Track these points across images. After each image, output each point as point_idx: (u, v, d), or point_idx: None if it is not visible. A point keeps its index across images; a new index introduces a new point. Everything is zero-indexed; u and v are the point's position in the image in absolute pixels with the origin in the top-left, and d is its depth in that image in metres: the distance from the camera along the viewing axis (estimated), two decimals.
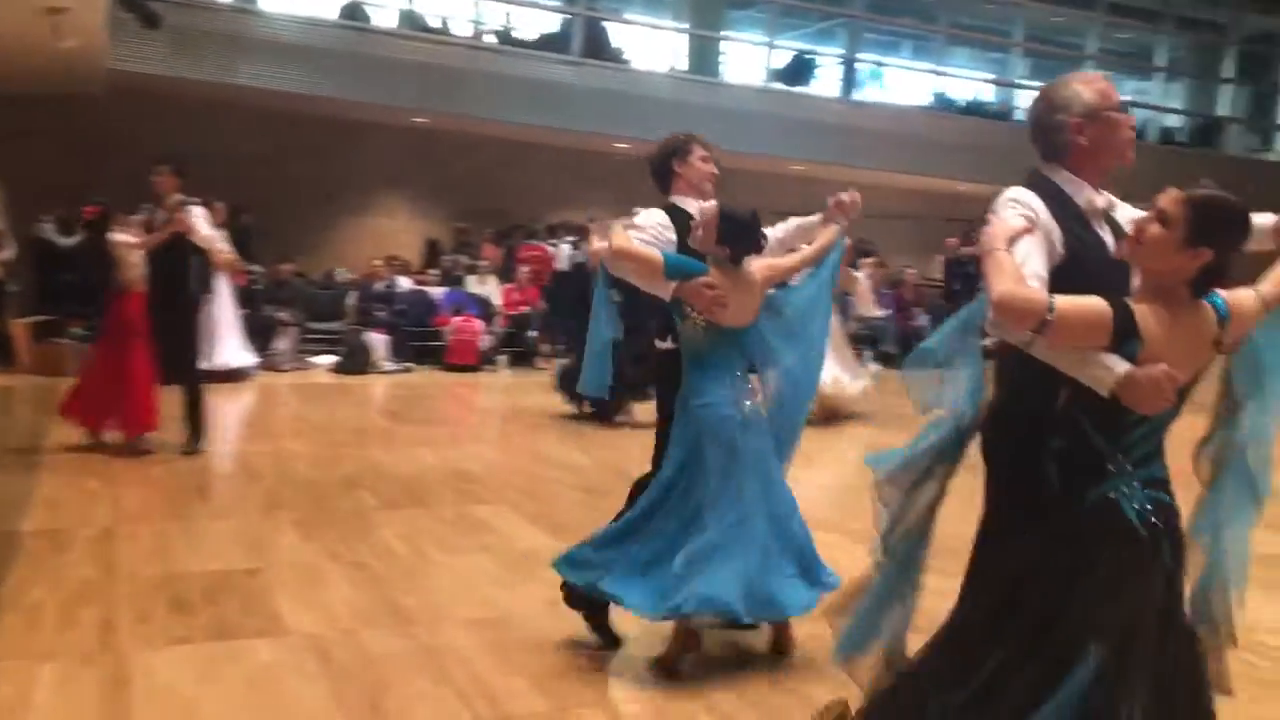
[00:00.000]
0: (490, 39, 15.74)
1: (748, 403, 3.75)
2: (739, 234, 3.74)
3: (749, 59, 18.32)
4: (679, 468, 3.69)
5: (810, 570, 3.77)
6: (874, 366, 14.30)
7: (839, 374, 9.06)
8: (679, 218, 3.91)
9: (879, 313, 14.07)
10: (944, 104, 19.01)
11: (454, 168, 16.57)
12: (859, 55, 18.32)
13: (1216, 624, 2.54)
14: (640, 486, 3.97)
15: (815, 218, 4.11)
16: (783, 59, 17.99)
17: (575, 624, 4.20)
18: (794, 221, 4.12)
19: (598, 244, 3.86)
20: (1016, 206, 2.50)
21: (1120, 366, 2.24)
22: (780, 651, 3.94)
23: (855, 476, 7.62)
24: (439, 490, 6.44)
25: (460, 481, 6.69)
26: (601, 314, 3.96)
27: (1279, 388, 2.51)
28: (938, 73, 18.91)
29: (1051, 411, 2.39)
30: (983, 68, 20.99)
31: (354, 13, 14.22)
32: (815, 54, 18.41)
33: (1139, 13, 20.27)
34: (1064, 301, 2.24)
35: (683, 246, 3.82)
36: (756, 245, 3.81)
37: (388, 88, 13.94)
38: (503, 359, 13.16)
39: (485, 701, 3.49)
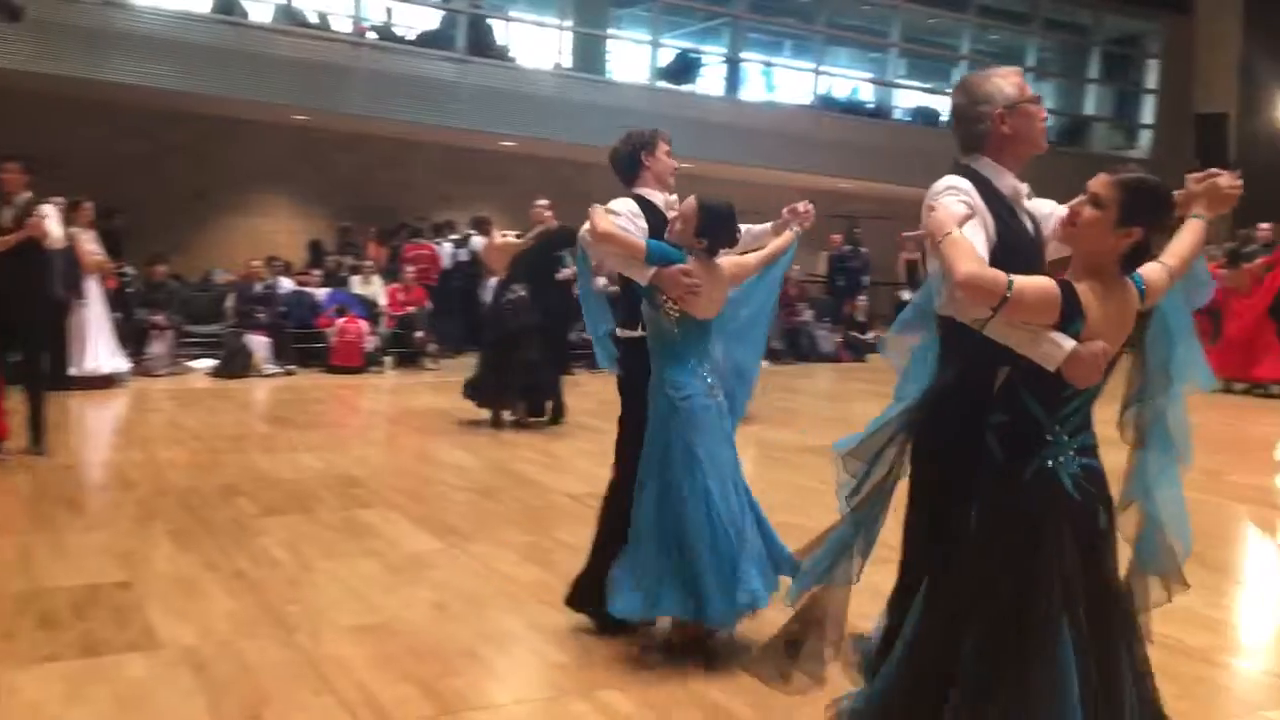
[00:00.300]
0: (371, 35, 15.47)
1: (718, 393, 3.85)
2: (717, 226, 3.82)
3: (634, 57, 18.37)
4: (669, 465, 3.73)
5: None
6: (762, 362, 14.49)
7: None
8: (646, 208, 4.02)
9: None
10: (826, 103, 19.33)
11: (336, 166, 16.26)
12: (742, 54, 18.50)
13: (1167, 576, 2.69)
14: (614, 491, 4.05)
15: (766, 225, 4.23)
16: (668, 57, 18.08)
17: (464, 627, 4.16)
18: (744, 228, 4.19)
19: (583, 229, 3.88)
20: (956, 194, 2.63)
21: (1068, 344, 2.40)
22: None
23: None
24: (322, 495, 6.31)
25: (344, 486, 6.56)
26: (591, 305, 4.08)
27: (1185, 353, 2.67)
28: (818, 72, 19.22)
29: (991, 389, 2.55)
30: (862, 67, 21.41)
31: (228, 7, 13.83)
32: (700, 52, 18.55)
33: (1009, 15, 20.91)
34: (1020, 280, 2.39)
35: (652, 236, 3.88)
36: (732, 238, 3.92)
37: (265, 84, 13.61)
38: (389, 360, 12.96)
39: (370, 710, 3.42)
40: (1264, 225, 12.53)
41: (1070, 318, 2.42)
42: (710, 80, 18.58)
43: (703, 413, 3.75)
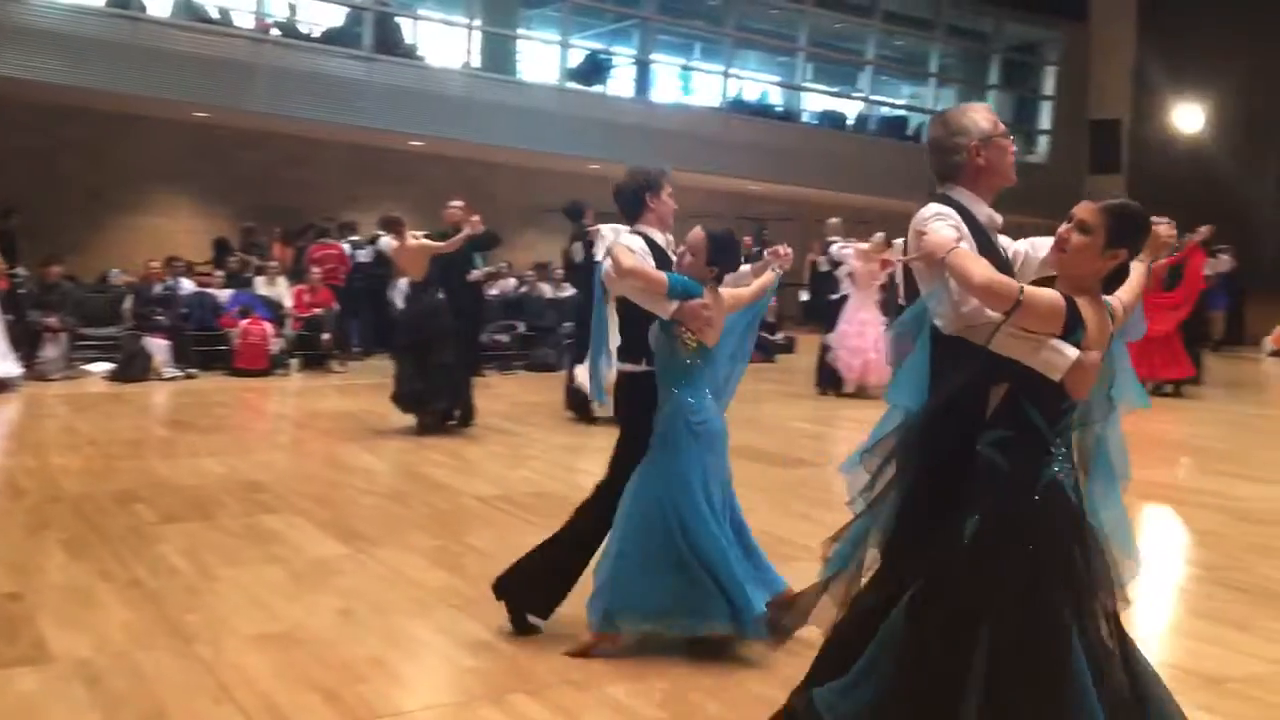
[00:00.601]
0: (274, 32, 15.18)
1: (721, 418, 4.00)
2: (725, 254, 3.96)
3: (544, 58, 18.31)
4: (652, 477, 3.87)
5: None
6: None
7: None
8: (650, 245, 4.11)
9: None
10: (735, 105, 19.50)
11: (239, 164, 15.92)
12: (652, 56, 18.57)
13: (1122, 588, 2.76)
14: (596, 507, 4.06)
15: (746, 267, 4.31)
16: (578, 58, 18.07)
17: (370, 633, 4.10)
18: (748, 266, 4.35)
19: (605, 264, 3.91)
20: (946, 219, 2.78)
21: (1072, 352, 2.53)
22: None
23: None
24: (224, 501, 6.16)
25: (248, 491, 6.42)
26: (601, 337, 4.13)
27: (1123, 378, 2.79)
28: (728, 74, 19.37)
29: (984, 405, 2.65)
30: (771, 71, 21.64)
31: (124, 1, 13.45)
32: (609, 54, 18.57)
33: (913, 21, 21.33)
34: (1029, 288, 2.55)
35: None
36: (737, 263, 4.09)
37: (163, 80, 13.28)
38: (295, 363, 12.72)
39: (272, 719, 3.35)
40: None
41: (1072, 327, 2.55)
42: (620, 82, 18.62)
43: (720, 437, 3.94)
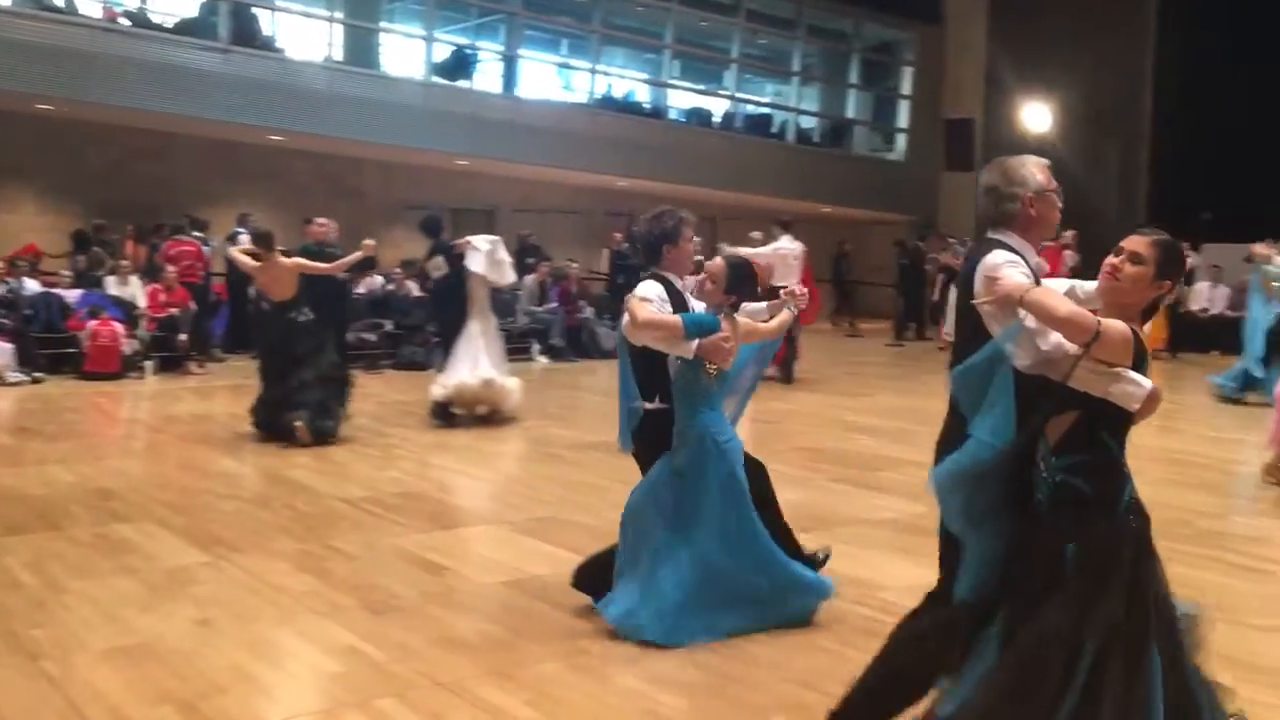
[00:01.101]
0: (124, 21, 14.59)
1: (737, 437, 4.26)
2: (742, 282, 4.21)
3: (409, 52, 18.03)
4: (671, 494, 4.16)
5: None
6: (543, 360, 14.52)
7: (492, 374, 8.97)
8: (667, 286, 4.31)
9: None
10: (603, 102, 19.54)
11: (88, 159, 15.26)
12: (519, 51, 18.46)
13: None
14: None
15: (762, 305, 4.52)
16: (444, 53, 17.85)
17: (231, 642, 3.99)
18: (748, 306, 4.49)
19: (623, 320, 4.22)
20: (1017, 265, 2.94)
21: (1147, 383, 2.71)
22: None
23: (517, 470, 7.70)
24: (74, 511, 5.90)
25: (99, 499, 6.16)
26: (627, 380, 4.34)
27: None
28: (595, 71, 19.40)
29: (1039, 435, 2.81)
30: (638, 68, 21.74)
31: None
32: (475, 48, 18.39)
33: (776, 20, 21.68)
34: (1104, 320, 2.69)
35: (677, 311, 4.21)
36: (754, 291, 4.33)
37: (4, 71, 12.64)
38: (150, 365, 12.25)
39: None
40: None
41: (1141, 358, 2.71)
42: (487, 77, 18.47)
43: (739, 452, 4.21)
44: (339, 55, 16.69)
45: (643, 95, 21.09)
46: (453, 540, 5.43)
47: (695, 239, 4.54)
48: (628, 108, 20.29)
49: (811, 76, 23.04)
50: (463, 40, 18.46)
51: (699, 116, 21.22)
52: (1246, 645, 4.06)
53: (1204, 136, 18.55)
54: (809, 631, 4.16)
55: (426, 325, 13.85)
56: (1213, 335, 15.85)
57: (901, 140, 23.48)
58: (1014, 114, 21.73)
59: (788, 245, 12.32)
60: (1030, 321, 2.77)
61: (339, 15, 16.80)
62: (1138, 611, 2.70)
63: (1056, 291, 2.89)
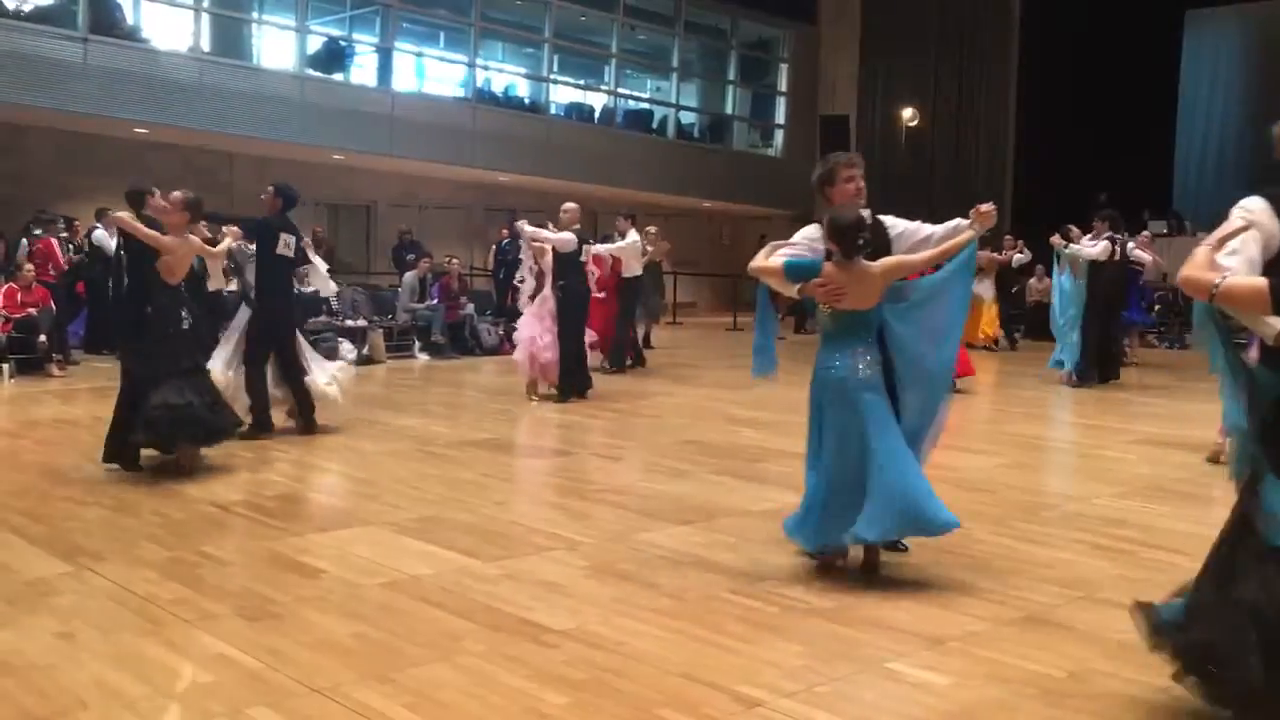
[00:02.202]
0: None
1: (864, 369, 4.60)
2: (840, 235, 4.55)
3: (282, 43, 17.58)
4: (812, 417, 4.77)
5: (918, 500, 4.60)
6: (423, 357, 14.32)
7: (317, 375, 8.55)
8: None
9: None
10: (481, 96, 19.36)
11: None
12: (395, 44, 18.16)
13: None
14: None
15: (951, 224, 4.84)
16: (317, 44, 17.46)
17: (94, 655, 3.82)
18: (942, 227, 4.87)
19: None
20: (1240, 211, 3.29)
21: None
22: (869, 569, 4.78)
23: (398, 469, 7.57)
24: None
25: None
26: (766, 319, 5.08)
27: None
28: (473, 65, 19.21)
29: None
30: (518, 62, 21.60)
31: None
32: (350, 41, 18.03)
33: (654, 16, 21.78)
34: (1232, 279, 3.03)
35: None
36: (853, 245, 4.54)
37: None
38: (7, 368, 11.69)
39: None
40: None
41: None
42: (363, 70, 18.12)
43: (840, 383, 4.61)
44: (206, 46, 16.18)
45: (523, 90, 20.96)
46: (330, 543, 5.31)
47: (858, 177, 4.87)
48: (508, 102, 20.15)
49: (690, 73, 23.20)
50: (337, 32, 18.07)
51: (579, 111, 21.20)
52: (1109, 623, 4.22)
53: (1066, 132, 19.25)
54: (686, 622, 4.19)
55: (302, 323, 13.54)
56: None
57: (779, 136, 23.83)
58: (887, 111, 22.22)
59: (636, 238, 12.49)
60: None
61: (206, 4, 16.28)
62: None
63: (1205, 253, 3.23)
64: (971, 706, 3.50)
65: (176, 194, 7.17)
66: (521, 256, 10.93)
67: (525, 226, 10.37)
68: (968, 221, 4.81)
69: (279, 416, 8.33)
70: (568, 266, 10.22)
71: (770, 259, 4.70)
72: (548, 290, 10.28)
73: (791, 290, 4.68)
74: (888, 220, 4.92)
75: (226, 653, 3.86)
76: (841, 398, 4.61)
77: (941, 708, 3.48)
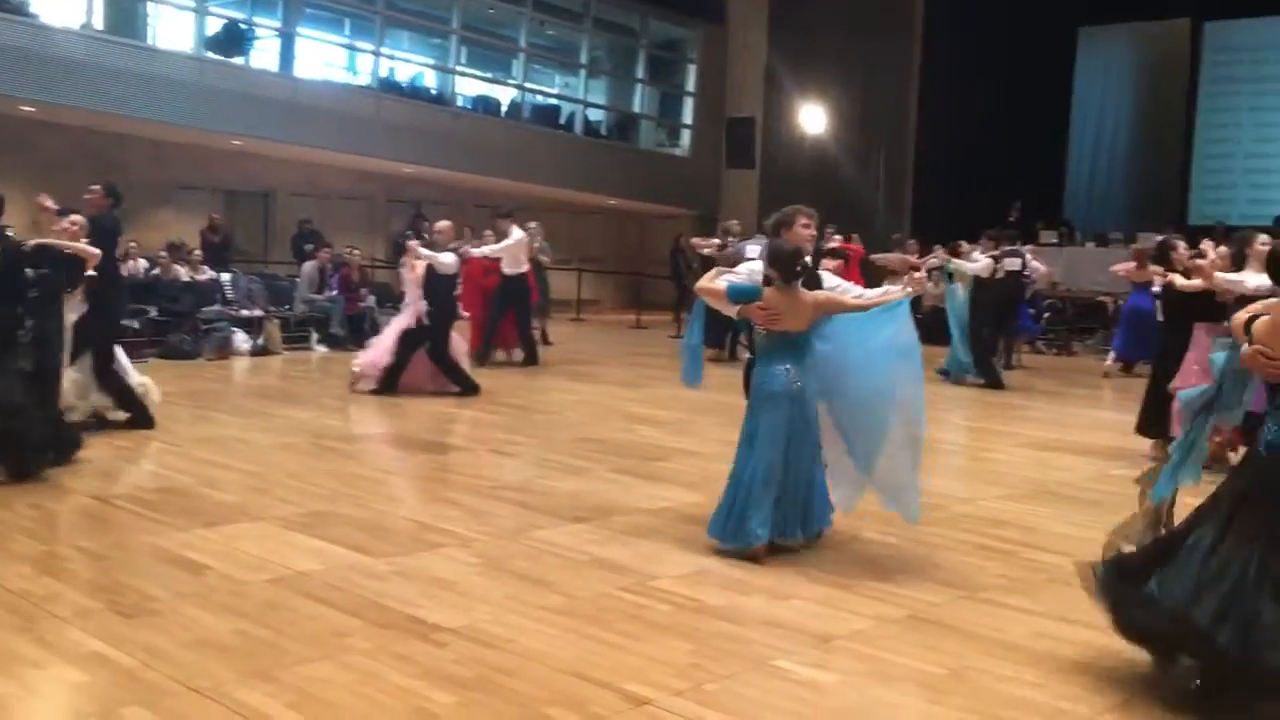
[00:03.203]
0: None
1: (796, 384, 5.09)
2: (779, 262, 5.11)
3: (180, 23, 17.08)
4: (748, 425, 5.19)
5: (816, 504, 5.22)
6: (321, 349, 14.07)
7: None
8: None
9: None
10: (387, 86, 19.08)
11: None
12: (299, 29, 17.78)
13: None
14: None
15: (885, 288, 5.55)
16: (217, 26, 17.00)
17: None
18: (874, 291, 5.52)
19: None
20: None
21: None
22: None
23: (289, 462, 7.42)
24: None
25: None
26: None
27: None
28: (378, 54, 18.92)
29: None
30: (424, 53, 21.33)
31: None
32: (251, 24, 17.60)
33: (564, 12, 21.71)
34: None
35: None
36: (792, 272, 5.09)
37: None
38: None
39: None
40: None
41: None
42: (266, 55, 17.70)
43: (772, 397, 5.10)
44: (100, 23, 15.65)
45: (430, 81, 20.71)
46: (215, 537, 5.18)
47: (812, 226, 5.54)
48: (414, 93, 19.89)
49: (599, 70, 23.19)
50: (237, 15, 17.63)
51: (486, 105, 21.02)
52: (989, 622, 4.33)
53: (965, 141, 19.71)
54: (578, 620, 4.18)
55: (197, 311, 13.22)
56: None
57: (686, 136, 23.94)
58: (792, 114, 22.49)
59: (519, 235, 12.28)
60: None
61: None
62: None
63: None
64: (855, 704, 3.56)
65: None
66: (401, 269, 10.90)
67: (419, 248, 10.27)
68: (898, 288, 5.43)
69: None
70: (441, 283, 10.20)
71: (715, 282, 5.26)
72: (412, 300, 10.23)
73: (732, 310, 5.23)
74: (825, 275, 5.52)
75: (101, 650, 3.74)
76: (775, 409, 5.08)
77: (826, 705, 3.53)
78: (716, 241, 14.04)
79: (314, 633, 3.97)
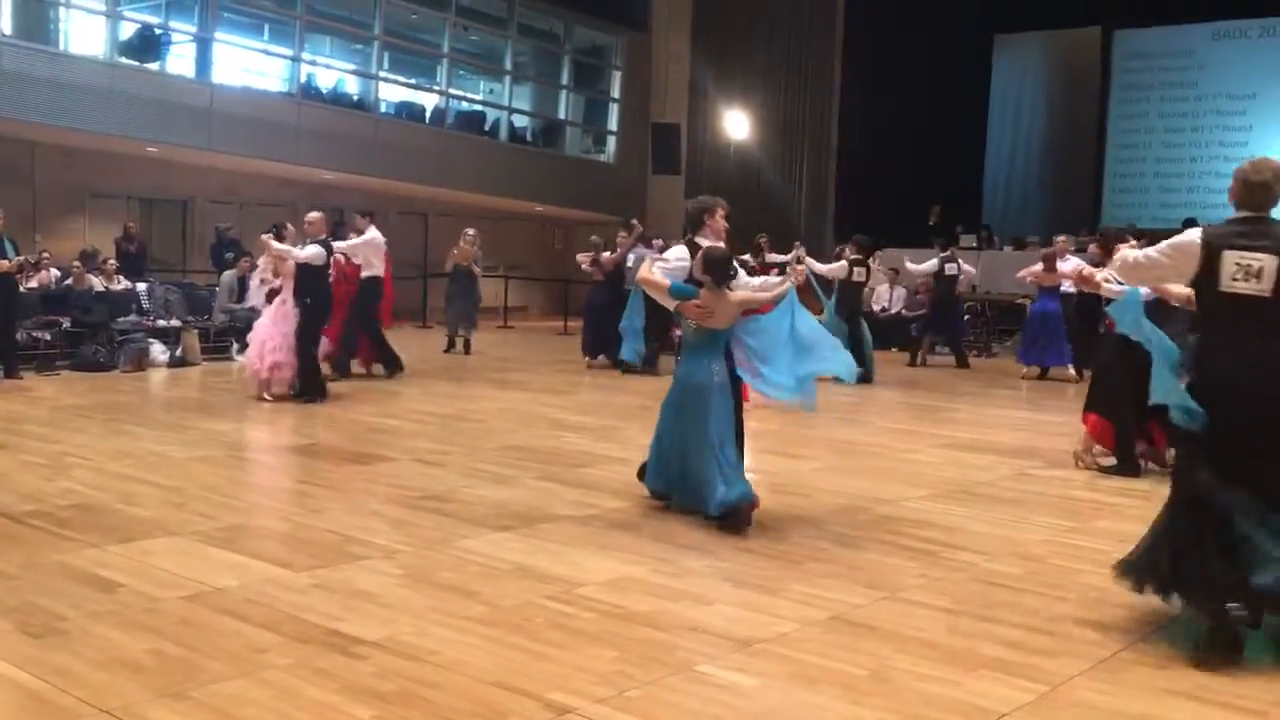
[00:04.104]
0: None
1: (717, 376, 5.84)
2: (713, 268, 5.80)
3: (92, 28, 16.68)
4: (670, 411, 6.01)
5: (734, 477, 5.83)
6: (241, 359, 13.81)
7: None
8: (695, 251, 6.01)
9: None
10: (307, 92, 18.82)
11: None
12: (215, 34, 17.45)
13: None
14: None
15: (754, 279, 6.34)
16: (130, 31, 16.64)
17: None
18: (761, 279, 6.44)
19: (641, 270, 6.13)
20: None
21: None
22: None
23: (208, 475, 7.29)
24: None
25: None
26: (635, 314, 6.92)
27: None
28: (298, 59, 18.66)
29: None
30: (346, 58, 21.09)
31: None
32: (166, 29, 17.26)
33: (487, 18, 21.62)
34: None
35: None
36: (725, 276, 5.81)
37: None
38: None
39: None
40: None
41: None
42: (181, 60, 17.36)
43: (698, 387, 5.85)
44: (8, 28, 15.23)
45: (351, 87, 20.48)
46: (130, 554, 5.06)
47: (725, 217, 6.22)
48: (335, 99, 19.65)
49: (523, 75, 23.12)
50: (152, 19, 17.28)
51: (410, 111, 20.84)
52: (910, 622, 4.39)
53: (885, 147, 20.00)
54: (502, 630, 4.16)
55: (111, 322, 12.91)
56: (890, 333, 17.16)
57: (612, 142, 23.97)
58: (716, 121, 22.63)
59: (376, 235, 12.03)
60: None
61: None
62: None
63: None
64: (777, 707, 3.58)
65: None
66: (258, 263, 10.77)
67: (272, 242, 10.15)
68: (779, 279, 6.32)
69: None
70: (313, 277, 10.14)
71: (656, 275, 5.92)
72: (288, 297, 10.19)
73: (671, 304, 5.88)
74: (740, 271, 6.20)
75: (6, 673, 3.63)
76: (697, 397, 5.82)
77: (748, 709, 3.55)
78: (591, 254, 14.18)
79: (230, 649, 3.90)
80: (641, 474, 6.39)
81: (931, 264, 14.73)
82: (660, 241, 14.22)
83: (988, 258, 18.06)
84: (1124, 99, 21.72)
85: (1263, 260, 4.04)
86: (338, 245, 11.58)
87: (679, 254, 6.07)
